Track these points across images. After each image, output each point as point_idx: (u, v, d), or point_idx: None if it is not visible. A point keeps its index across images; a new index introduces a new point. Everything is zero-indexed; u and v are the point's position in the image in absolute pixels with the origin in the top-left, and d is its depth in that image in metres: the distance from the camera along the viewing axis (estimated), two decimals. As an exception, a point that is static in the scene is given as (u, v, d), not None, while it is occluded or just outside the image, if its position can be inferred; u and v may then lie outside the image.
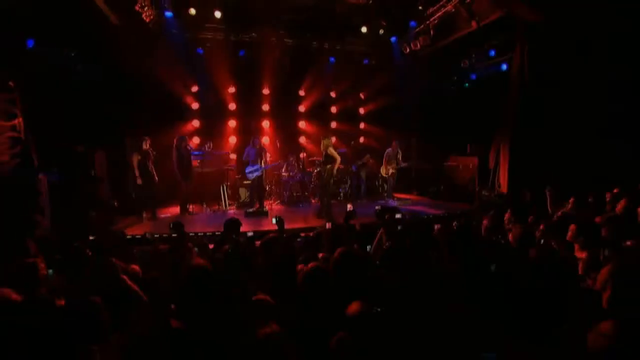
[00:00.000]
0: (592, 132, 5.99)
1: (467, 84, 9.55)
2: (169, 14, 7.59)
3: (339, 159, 6.31)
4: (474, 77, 9.14)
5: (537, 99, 6.32)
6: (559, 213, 3.62)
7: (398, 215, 3.40)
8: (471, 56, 8.84)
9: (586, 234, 2.57)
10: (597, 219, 2.98)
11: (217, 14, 7.79)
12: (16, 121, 3.74)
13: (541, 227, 2.98)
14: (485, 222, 3.23)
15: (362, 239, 3.12)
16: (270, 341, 1.14)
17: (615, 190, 4.49)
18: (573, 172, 5.87)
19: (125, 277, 1.84)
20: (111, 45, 6.71)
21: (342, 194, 8.61)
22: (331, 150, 6.35)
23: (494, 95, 7.70)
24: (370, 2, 7.04)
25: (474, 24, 7.04)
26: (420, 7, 7.40)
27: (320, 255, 2.34)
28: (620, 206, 3.96)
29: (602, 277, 1.68)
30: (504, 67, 8.09)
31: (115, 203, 6.23)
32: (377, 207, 3.78)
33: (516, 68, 6.71)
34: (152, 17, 6.94)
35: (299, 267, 2.01)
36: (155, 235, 3.94)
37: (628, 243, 2.63)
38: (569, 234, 2.64)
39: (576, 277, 2.12)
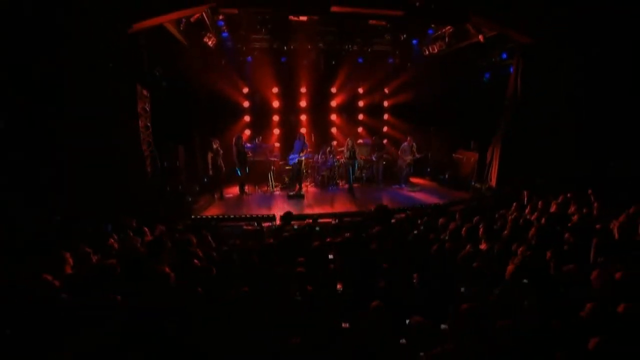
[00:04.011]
0: (573, 139, 7.21)
1: (486, 77, 10.52)
2: (225, 34, 9.47)
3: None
4: (487, 76, 10.14)
5: (526, 108, 7.54)
6: (499, 213, 5.27)
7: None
8: (486, 57, 9.83)
9: (489, 232, 4.29)
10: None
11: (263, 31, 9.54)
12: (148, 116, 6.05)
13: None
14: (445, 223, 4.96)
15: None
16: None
17: (567, 195, 5.84)
18: (552, 173, 7.22)
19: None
20: (183, 63, 8.84)
21: (364, 178, 10.46)
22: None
23: (501, 95, 8.80)
24: (388, 25, 8.31)
25: (480, 37, 8.13)
26: (432, 25, 8.53)
27: (328, 239, 4.33)
28: (553, 208, 5.48)
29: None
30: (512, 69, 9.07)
31: (197, 187, 8.64)
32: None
33: (512, 78, 7.85)
34: (214, 41, 8.86)
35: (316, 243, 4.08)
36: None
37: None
38: (480, 231, 4.37)
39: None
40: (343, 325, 2.46)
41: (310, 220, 5.32)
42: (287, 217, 5.16)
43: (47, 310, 2.94)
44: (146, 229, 4.87)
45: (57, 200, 5.14)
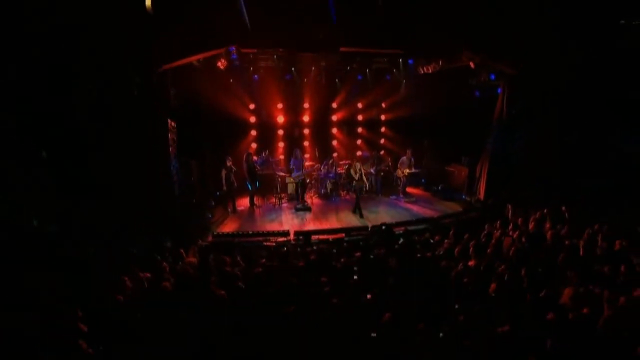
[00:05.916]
0: (552, 157, 8.14)
1: (477, 95, 11.35)
2: (234, 56, 10.13)
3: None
4: (477, 94, 11.00)
5: (511, 128, 8.44)
6: (485, 231, 6.13)
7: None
8: (476, 77, 10.68)
9: (477, 250, 5.12)
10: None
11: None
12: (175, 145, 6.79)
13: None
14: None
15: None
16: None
17: (544, 211, 6.72)
18: (534, 187, 8.13)
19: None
20: (194, 83, 9.50)
21: (364, 190, 11.27)
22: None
23: (491, 112, 9.64)
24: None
25: (471, 63, 8.97)
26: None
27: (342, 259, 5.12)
28: (531, 225, 6.35)
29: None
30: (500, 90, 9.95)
31: (213, 202, 9.34)
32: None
33: (499, 100, 8.73)
34: (225, 64, 9.52)
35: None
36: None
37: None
38: (471, 250, 5.20)
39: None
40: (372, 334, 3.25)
41: (330, 238, 6.13)
42: (305, 235, 5.95)
43: (124, 328, 3.66)
44: (182, 250, 5.60)
45: (102, 227, 5.84)
